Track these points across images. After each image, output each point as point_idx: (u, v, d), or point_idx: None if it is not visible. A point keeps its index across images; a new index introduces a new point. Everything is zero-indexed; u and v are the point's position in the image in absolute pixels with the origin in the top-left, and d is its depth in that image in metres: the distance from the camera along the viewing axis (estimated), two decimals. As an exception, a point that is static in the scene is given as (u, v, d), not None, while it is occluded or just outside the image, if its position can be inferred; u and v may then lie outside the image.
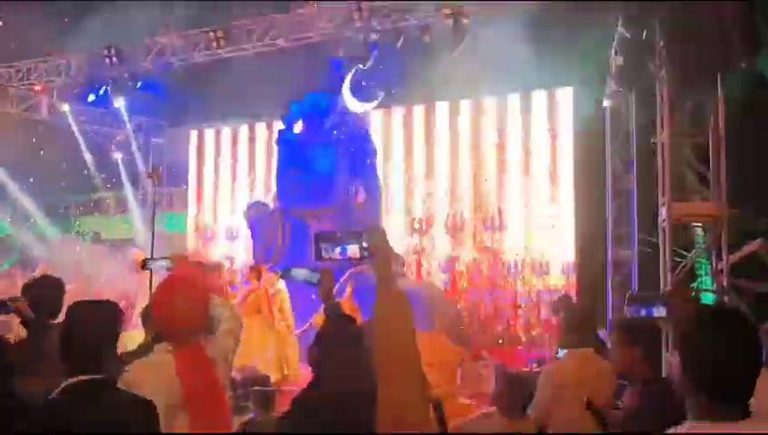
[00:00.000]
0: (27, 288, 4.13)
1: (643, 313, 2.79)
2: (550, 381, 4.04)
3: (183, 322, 3.04)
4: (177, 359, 2.98)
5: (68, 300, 4.61)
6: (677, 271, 8.76)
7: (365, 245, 2.15)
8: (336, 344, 2.59)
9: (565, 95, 12.32)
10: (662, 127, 8.81)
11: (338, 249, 2.24)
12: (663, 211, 8.74)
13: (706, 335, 1.96)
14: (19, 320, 3.78)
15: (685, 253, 9.58)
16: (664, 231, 8.73)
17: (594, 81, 11.59)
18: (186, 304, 3.03)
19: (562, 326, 4.36)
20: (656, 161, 9.32)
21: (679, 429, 1.98)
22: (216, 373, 3.12)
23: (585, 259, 11.87)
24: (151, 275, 7.82)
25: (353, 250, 2.20)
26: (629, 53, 9.18)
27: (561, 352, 4.27)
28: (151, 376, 2.91)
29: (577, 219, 11.94)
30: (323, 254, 2.23)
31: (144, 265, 3.49)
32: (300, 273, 3.21)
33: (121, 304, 9.80)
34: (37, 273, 10.06)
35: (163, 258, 3.39)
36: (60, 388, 2.45)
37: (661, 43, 8.49)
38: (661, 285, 8.77)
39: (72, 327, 2.56)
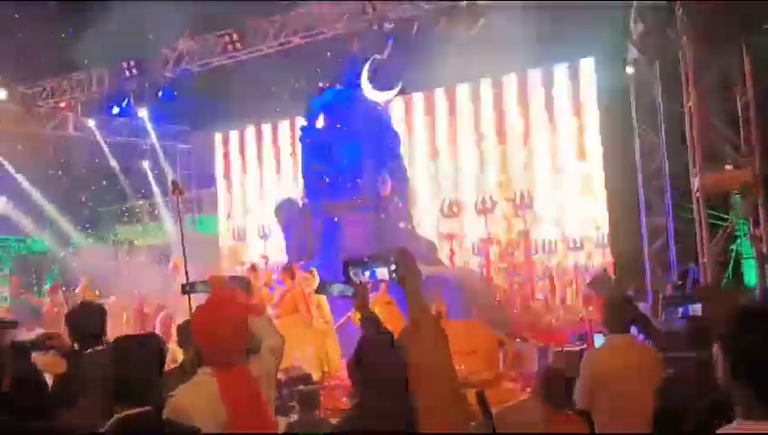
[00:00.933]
0: (69, 317, 4.22)
1: (680, 312, 2.74)
2: (591, 370, 4.01)
3: (224, 345, 3.05)
4: (220, 382, 3.01)
5: (110, 313, 4.73)
6: (716, 238, 8.60)
7: (393, 268, 2.21)
8: (376, 364, 2.60)
9: (587, 66, 12.13)
10: (688, 94, 8.62)
11: (367, 273, 2.28)
12: (695, 181, 8.58)
13: (751, 336, 1.94)
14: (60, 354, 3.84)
15: (724, 216, 9.41)
16: (698, 201, 8.57)
17: (616, 49, 11.38)
18: (226, 327, 3.04)
19: (603, 307, 4.30)
20: (684, 127, 9.14)
21: (728, 428, 1.98)
22: (260, 393, 3.15)
23: (619, 231, 11.73)
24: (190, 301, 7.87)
25: (382, 273, 2.25)
26: (650, 19, 8.98)
27: (598, 340, 4.21)
28: (197, 402, 2.94)
29: (608, 191, 11.78)
30: (353, 278, 2.28)
31: (183, 290, 3.51)
32: (335, 287, 3.22)
33: (161, 316, 9.99)
34: (79, 291, 10.27)
35: (201, 282, 3.41)
36: (110, 422, 2.50)
37: (681, 8, 8.28)
38: (699, 255, 8.63)
39: (119, 361, 2.61)
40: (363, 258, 2.27)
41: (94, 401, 3.39)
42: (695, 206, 8.82)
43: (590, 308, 11.29)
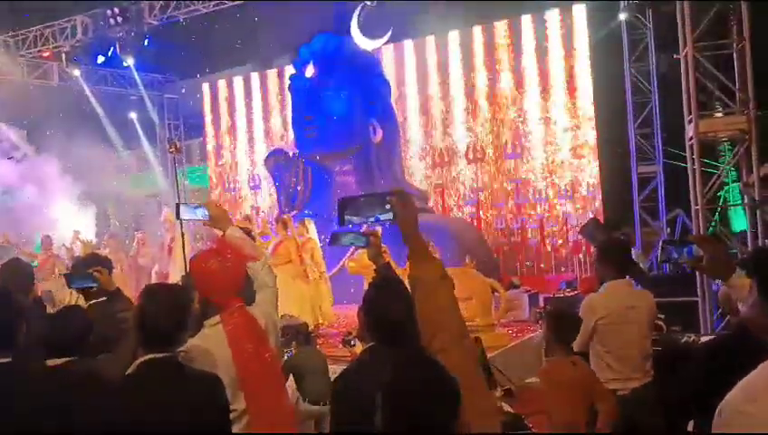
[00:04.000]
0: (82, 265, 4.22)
1: (684, 253, 2.79)
2: (593, 313, 4.09)
3: (225, 286, 3.10)
4: (226, 327, 3.06)
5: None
6: (708, 186, 8.69)
7: (388, 207, 2.08)
8: (388, 310, 2.63)
9: (579, 12, 11.99)
10: (683, 41, 8.57)
11: (363, 213, 2.15)
12: (689, 128, 8.61)
13: None
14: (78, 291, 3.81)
15: (714, 164, 9.48)
16: (691, 148, 8.62)
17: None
18: (225, 270, 3.09)
19: (597, 253, 4.36)
20: (677, 75, 9.12)
21: None
22: (265, 337, 3.20)
23: (608, 179, 11.81)
24: (184, 250, 7.85)
25: (378, 212, 2.11)
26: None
27: (602, 287, 4.29)
28: (210, 352, 2.99)
29: (599, 139, 11.81)
30: (348, 220, 2.15)
31: (178, 212, 3.43)
32: (347, 238, 3.20)
33: (155, 269, 10.00)
34: (71, 240, 10.23)
35: (197, 205, 3.36)
36: (134, 365, 2.54)
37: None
38: (691, 201, 8.73)
39: (150, 307, 2.62)
40: (359, 198, 2.17)
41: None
42: (687, 153, 8.87)
43: (580, 255, 11.51)
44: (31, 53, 13.68)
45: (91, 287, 3.69)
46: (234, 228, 3.31)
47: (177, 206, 3.43)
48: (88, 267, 3.81)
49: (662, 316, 6.73)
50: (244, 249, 3.28)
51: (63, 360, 2.74)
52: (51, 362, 2.74)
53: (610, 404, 3.77)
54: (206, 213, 3.31)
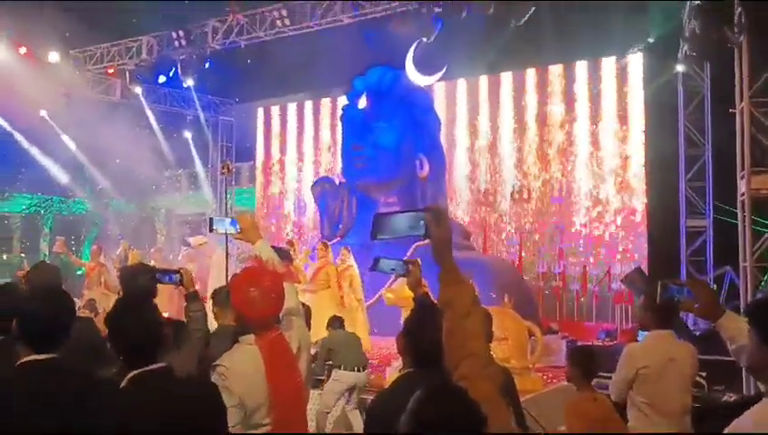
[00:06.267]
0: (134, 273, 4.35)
1: (675, 295, 2.87)
2: (633, 363, 4.02)
3: (263, 311, 3.15)
4: (262, 349, 3.11)
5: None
6: (758, 244, 8.49)
7: (422, 223, 2.00)
8: (426, 335, 2.65)
9: (635, 60, 11.96)
10: (740, 95, 8.46)
11: (396, 227, 2.07)
12: (742, 183, 8.45)
13: None
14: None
15: (766, 222, 9.26)
16: (743, 204, 8.45)
17: (665, 46, 11.20)
18: (264, 294, 3.13)
19: (641, 303, 4.29)
20: (732, 129, 8.99)
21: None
22: (295, 362, 3.24)
23: (658, 229, 11.62)
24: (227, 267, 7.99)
25: (412, 229, 2.04)
26: (705, 18, 8.79)
27: (642, 335, 4.22)
28: (246, 371, 3.04)
29: (648, 189, 11.66)
30: (379, 234, 2.10)
31: (211, 226, 3.55)
32: (387, 264, 3.21)
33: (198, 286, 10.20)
34: (119, 253, 10.50)
35: (228, 219, 3.45)
36: (128, 378, 2.56)
37: (740, 8, 8.12)
38: (740, 258, 8.53)
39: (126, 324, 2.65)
40: (393, 214, 2.08)
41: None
42: (739, 209, 8.70)
43: (621, 305, 11.29)
44: (97, 68, 14.24)
45: (177, 284, 3.84)
46: (263, 241, 3.37)
47: (210, 220, 3.53)
48: (136, 275, 3.94)
49: (704, 374, 6.55)
50: (275, 265, 3.33)
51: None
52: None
53: None
54: (237, 226, 3.39)
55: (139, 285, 3.86)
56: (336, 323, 7.37)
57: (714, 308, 2.85)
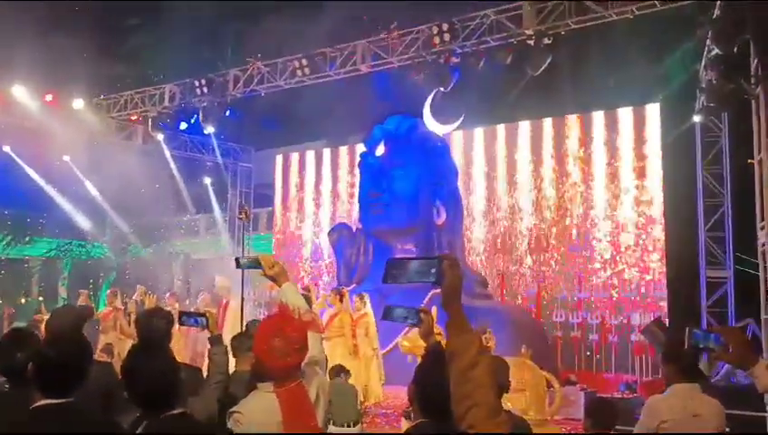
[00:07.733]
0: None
1: (701, 342, 2.81)
2: (656, 416, 3.92)
3: (285, 361, 3.12)
4: (280, 397, 3.07)
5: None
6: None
7: (433, 271, 2.02)
8: (434, 384, 2.62)
9: (653, 111, 12.01)
10: (758, 145, 8.45)
11: (408, 272, 2.10)
12: (762, 234, 8.37)
13: None
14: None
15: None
16: (763, 254, 8.36)
17: (682, 96, 11.27)
18: (289, 342, 3.11)
19: (663, 356, 4.21)
20: (751, 179, 8.95)
21: None
22: (313, 412, 3.20)
23: (677, 280, 11.50)
24: (242, 313, 8.02)
25: (422, 275, 2.03)
26: (722, 70, 8.84)
27: (669, 389, 4.12)
28: (264, 420, 3.01)
29: (667, 239, 11.57)
30: (392, 278, 2.11)
31: (238, 263, 3.57)
32: (400, 313, 3.18)
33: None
34: (136, 297, 10.52)
35: (250, 259, 3.47)
36: (144, 425, 2.55)
37: (756, 60, 8.17)
38: (761, 310, 8.39)
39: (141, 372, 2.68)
40: (407, 260, 2.10)
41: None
42: (759, 259, 8.60)
43: (641, 357, 11.09)
44: (120, 115, 14.54)
45: (200, 326, 3.86)
46: (291, 285, 3.36)
47: (237, 259, 3.55)
48: (151, 320, 3.95)
49: (728, 429, 6.38)
50: (302, 313, 3.31)
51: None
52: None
53: None
54: (263, 265, 3.39)
55: (155, 329, 3.86)
56: (339, 372, 7.28)
57: (747, 354, 2.74)
